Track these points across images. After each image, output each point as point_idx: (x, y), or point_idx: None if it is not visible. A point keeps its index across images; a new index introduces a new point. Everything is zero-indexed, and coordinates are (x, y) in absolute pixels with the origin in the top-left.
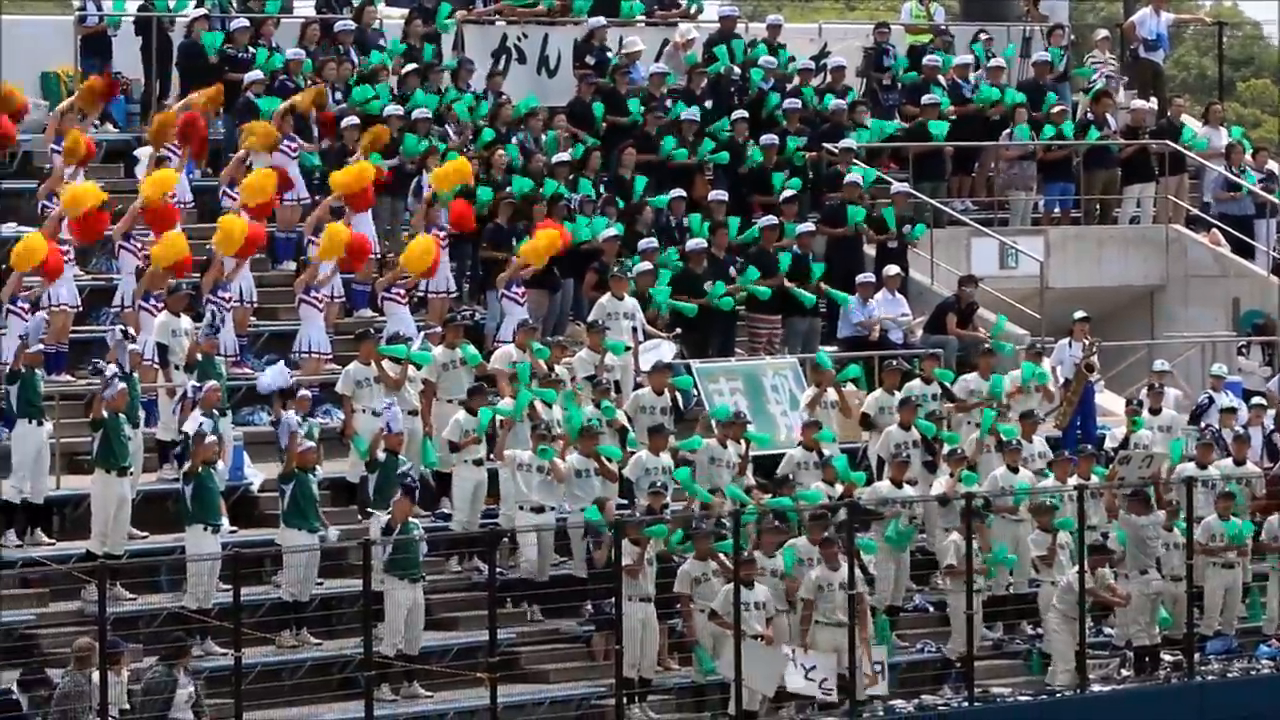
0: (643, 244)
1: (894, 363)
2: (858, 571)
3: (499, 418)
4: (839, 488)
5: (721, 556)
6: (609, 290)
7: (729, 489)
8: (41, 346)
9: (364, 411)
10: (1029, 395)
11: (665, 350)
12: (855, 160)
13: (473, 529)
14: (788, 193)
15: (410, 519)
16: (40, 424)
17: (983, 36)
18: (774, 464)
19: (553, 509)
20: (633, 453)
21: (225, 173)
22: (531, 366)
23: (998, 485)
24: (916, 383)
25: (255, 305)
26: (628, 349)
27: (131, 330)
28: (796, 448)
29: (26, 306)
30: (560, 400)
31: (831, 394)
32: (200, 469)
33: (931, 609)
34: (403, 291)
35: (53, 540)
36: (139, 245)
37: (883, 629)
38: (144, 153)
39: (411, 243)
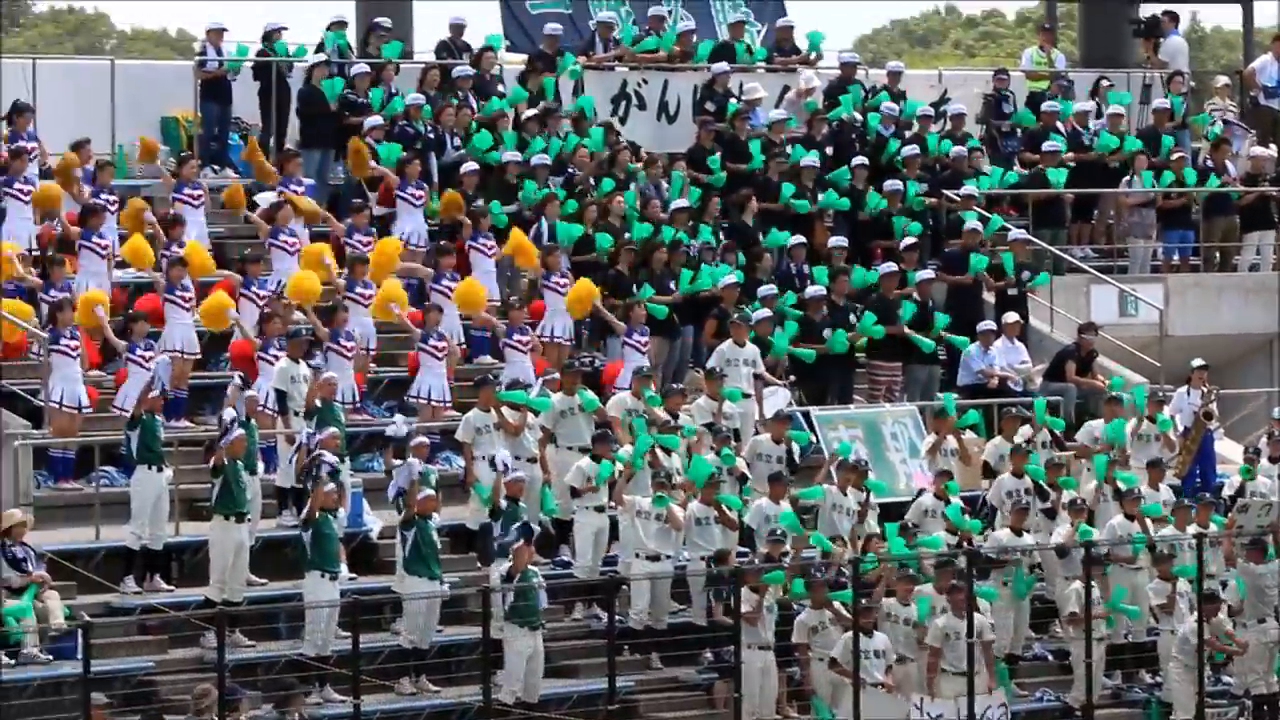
0: (762, 291)
1: (1013, 410)
2: (987, 618)
3: (618, 464)
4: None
5: (838, 605)
6: (729, 337)
7: (932, 540)
8: (164, 390)
9: (483, 459)
10: (1148, 443)
11: (781, 397)
12: (976, 207)
13: (595, 575)
14: (908, 240)
15: (530, 566)
16: (160, 470)
17: (1103, 84)
18: (892, 511)
19: (669, 557)
20: (750, 501)
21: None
22: (646, 414)
23: (1116, 533)
24: (1027, 428)
25: (375, 351)
26: (745, 396)
27: (248, 377)
28: (926, 495)
29: (148, 355)
30: (682, 448)
31: (951, 441)
32: (319, 515)
33: (1050, 657)
34: (524, 338)
35: (171, 587)
36: (259, 293)
37: (1002, 676)
38: (265, 198)
39: (575, 289)
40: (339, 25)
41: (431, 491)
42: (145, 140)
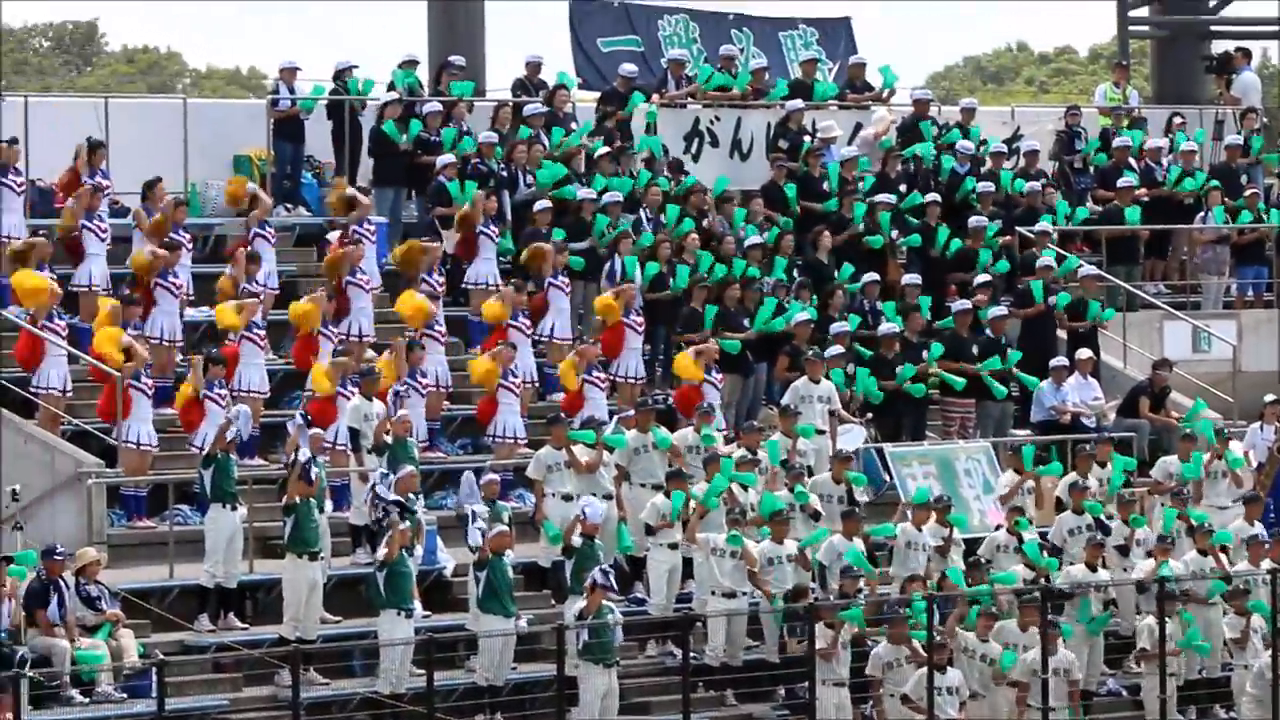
0: (835, 328)
1: (1087, 447)
2: (1068, 654)
3: (693, 501)
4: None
5: (915, 642)
6: (802, 373)
7: (951, 570)
8: (242, 435)
9: (554, 496)
10: (1216, 480)
11: (856, 435)
12: (1049, 244)
13: (669, 612)
14: (981, 278)
15: (605, 603)
16: (234, 508)
17: (1175, 120)
18: (965, 548)
19: (744, 594)
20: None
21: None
22: (705, 451)
23: (1190, 569)
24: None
25: (449, 389)
26: (819, 433)
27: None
28: (1000, 531)
29: (224, 393)
30: (759, 484)
31: (1029, 482)
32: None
33: (1125, 693)
34: (600, 375)
35: (245, 625)
36: (333, 330)
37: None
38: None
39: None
40: (410, 64)
41: (505, 528)
42: (234, 182)
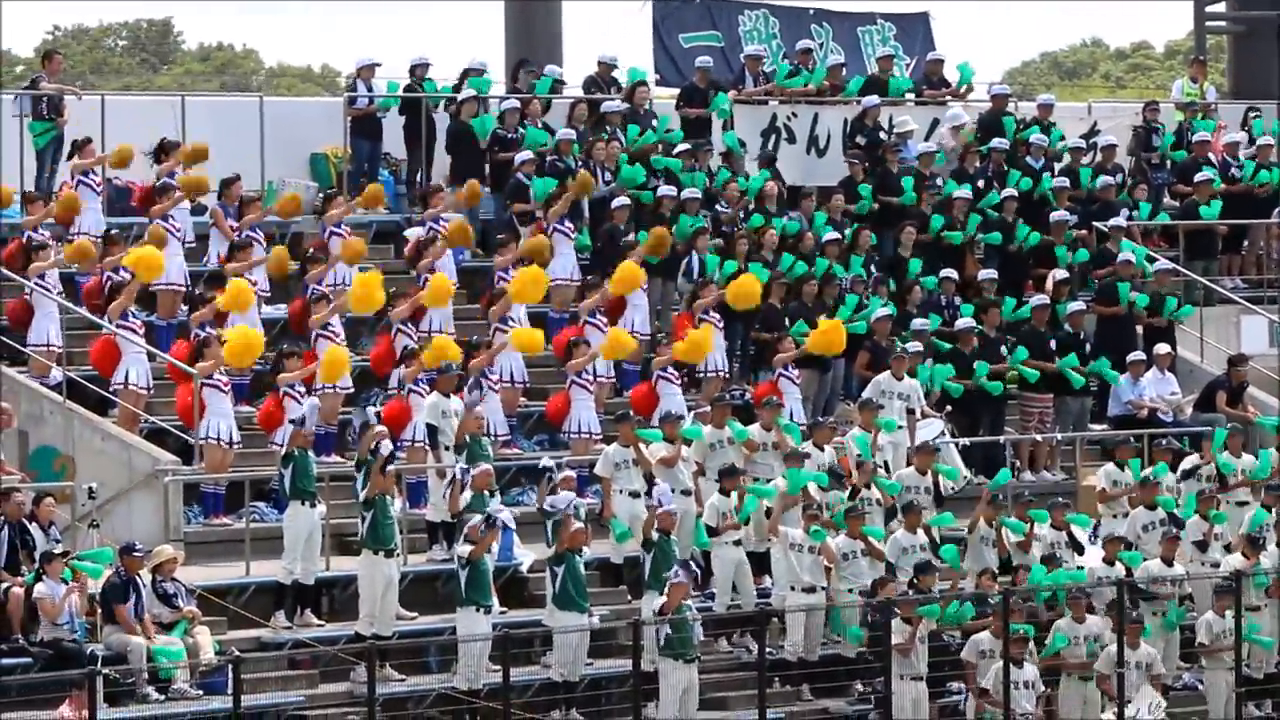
0: (915, 323)
1: (1165, 442)
2: (1149, 649)
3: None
4: (1119, 566)
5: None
6: (888, 369)
7: (1076, 574)
8: (315, 429)
9: (621, 493)
10: None
11: (934, 429)
12: (1126, 238)
13: (737, 609)
14: (1059, 274)
15: (685, 601)
16: (312, 505)
17: (1250, 115)
18: None
19: (824, 589)
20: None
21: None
22: (779, 443)
23: (1274, 564)
24: (1194, 458)
25: (525, 385)
26: (899, 428)
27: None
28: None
29: (302, 391)
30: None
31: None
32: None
33: (1200, 686)
34: (675, 372)
35: (322, 622)
36: (412, 327)
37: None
38: (414, 233)
39: (690, 336)
40: (477, 72)
41: (581, 525)
42: (288, 197)
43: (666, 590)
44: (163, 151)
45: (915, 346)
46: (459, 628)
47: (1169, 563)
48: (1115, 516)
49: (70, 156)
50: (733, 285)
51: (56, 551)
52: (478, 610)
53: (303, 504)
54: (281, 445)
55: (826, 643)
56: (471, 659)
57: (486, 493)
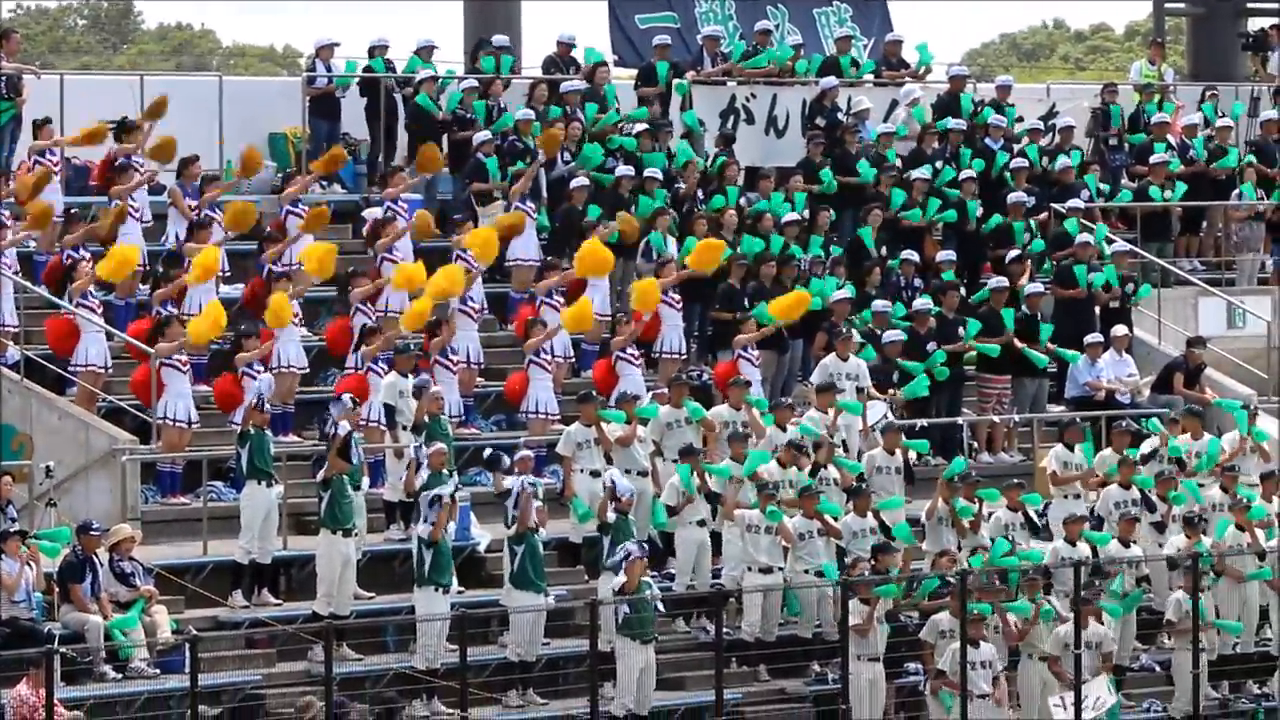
0: (876, 305)
1: (1124, 424)
2: (1100, 628)
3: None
4: (1082, 546)
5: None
6: (833, 351)
7: (1032, 554)
8: (269, 407)
9: (583, 472)
10: (1246, 457)
11: (876, 410)
12: (1082, 219)
13: (699, 589)
14: (1013, 252)
15: (645, 579)
16: (270, 485)
17: (1208, 94)
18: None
19: (780, 569)
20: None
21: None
22: (749, 423)
23: (1226, 545)
24: (1155, 440)
25: (482, 365)
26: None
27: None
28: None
29: (259, 369)
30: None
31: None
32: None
33: (1158, 668)
34: (635, 353)
35: (279, 601)
36: (370, 306)
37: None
38: (372, 213)
39: (576, 305)
40: (426, 51)
41: (540, 504)
42: (249, 152)
43: (625, 569)
44: (124, 130)
45: (897, 336)
46: (418, 607)
47: (1126, 544)
48: (1066, 498)
49: (35, 137)
50: (696, 251)
51: (13, 530)
52: (436, 590)
53: (260, 483)
54: (237, 425)
55: (785, 623)
56: (431, 639)
57: (445, 472)
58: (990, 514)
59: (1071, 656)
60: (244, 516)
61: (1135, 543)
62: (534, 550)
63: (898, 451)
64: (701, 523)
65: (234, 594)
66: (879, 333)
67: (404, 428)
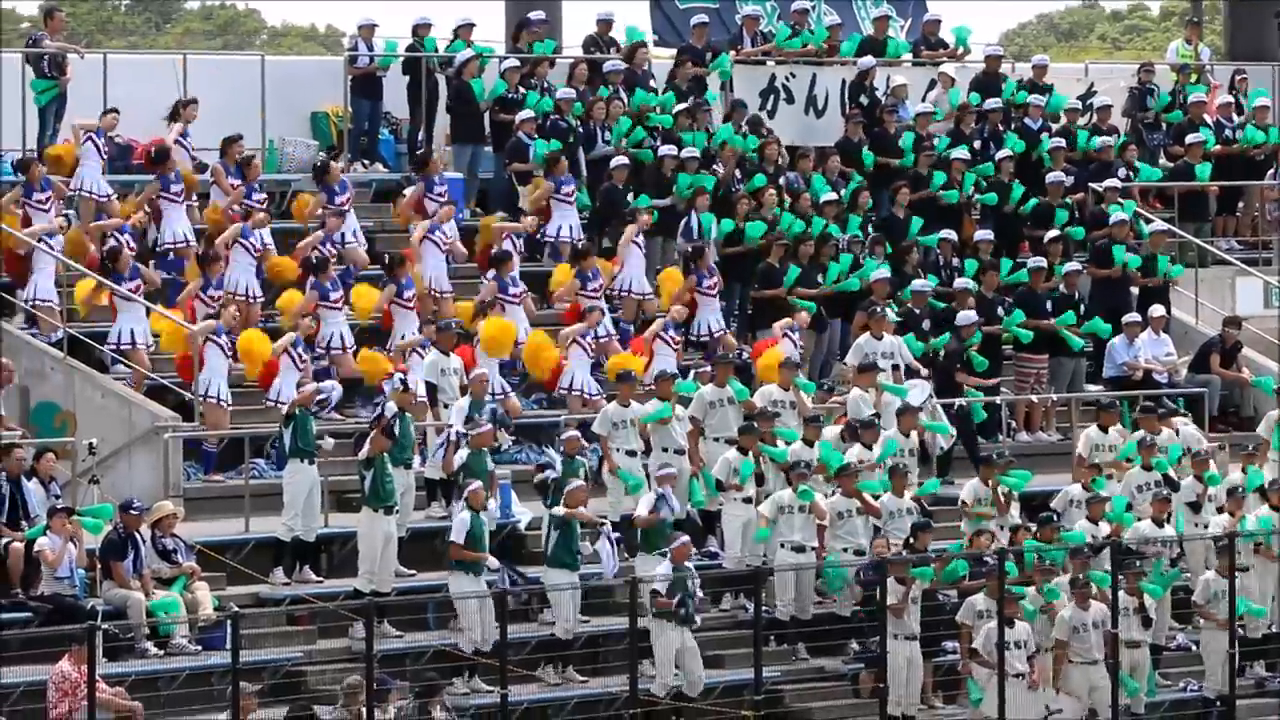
0: (915, 285)
1: (1144, 405)
2: (1105, 609)
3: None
4: (1104, 526)
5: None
6: (868, 330)
7: (1074, 534)
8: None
9: (619, 452)
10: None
11: (920, 390)
12: (1119, 199)
13: (744, 567)
14: (1052, 233)
15: (686, 562)
16: (312, 463)
17: (1238, 78)
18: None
19: (813, 548)
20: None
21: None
22: (796, 403)
23: (1259, 525)
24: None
25: (523, 345)
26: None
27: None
28: (1074, 486)
29: (301, 353)
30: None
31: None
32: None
33: (1194, 647)
34: (675, 334)
35: (320, 578)
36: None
37: (1124, 680)
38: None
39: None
40: (466, 29)
41: (581, 483)
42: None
43: (672, 553)
44: (177, 111)
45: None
46: (451, 586)
47: (1159, 523)
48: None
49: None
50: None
51: (60, 507)
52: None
53: (302, 461)
54: (276, 402)
55: (822, 601)
56: (471, 616)
57: (486, 450)
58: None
59: (1085, 638)
60: (286, 495)
61: (1168, 522)
62: (572, 529)
63: (913, 434)
64: (749, 500)
65: (275, 571)
66: (917, 312)
67: (445, 405)
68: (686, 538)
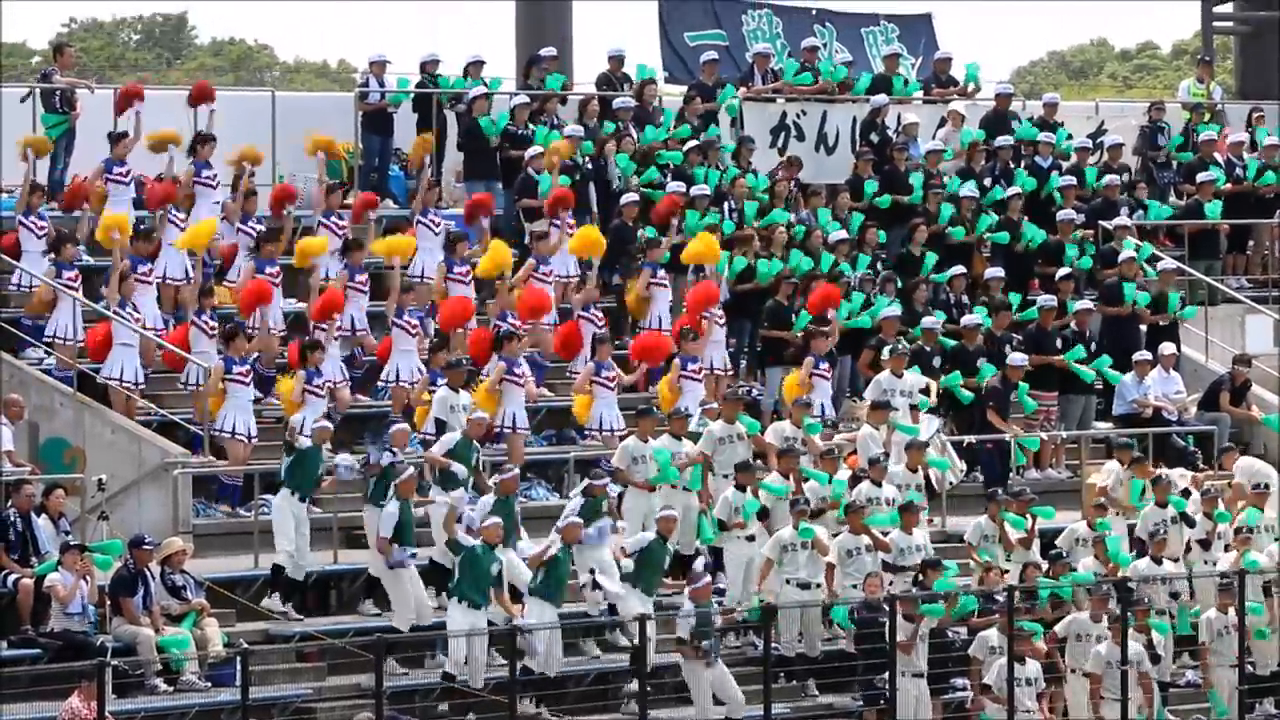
0: (926, 322)
1: (1173, 440)
2: (1141, 648)
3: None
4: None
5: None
6: (888, 368)
7: (1081, 575)
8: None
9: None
10: None
11: (929, 425)
12: (1130, 237)
13: (747, 604)
14: (1063, 271)
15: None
16: (302, 500)
17: (1254, 115)
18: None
19: (817, 586)
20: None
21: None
22: (805, 443)
23: (1272, 562)
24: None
25: (542, 382)
26: (916, 430)
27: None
28: (1080, 524)
29: (321, 383)
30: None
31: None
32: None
33: (1203, 684)
34: (697, 367)
35: (301, 617)
36: (412, 323)
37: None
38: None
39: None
40: (475, 67)
41: (578, 520)
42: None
43: (692, 593)
44: (203, 144)
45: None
46: (449, 623)
47: (1158, 561)
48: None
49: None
50: (692, 246)
51: (73, 543)
52: (465, 604)
53: (293, 495)
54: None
55: (832, 638)
56: (460, 654)
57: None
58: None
59: (1115, 674)
60: (276, 522)
61: (1173, 560)
62: (557, 564)
63: (919, 469)
64: (751, 538)
65: (272, 596)
66: (926, 350)
67: None
68: (709, 578)
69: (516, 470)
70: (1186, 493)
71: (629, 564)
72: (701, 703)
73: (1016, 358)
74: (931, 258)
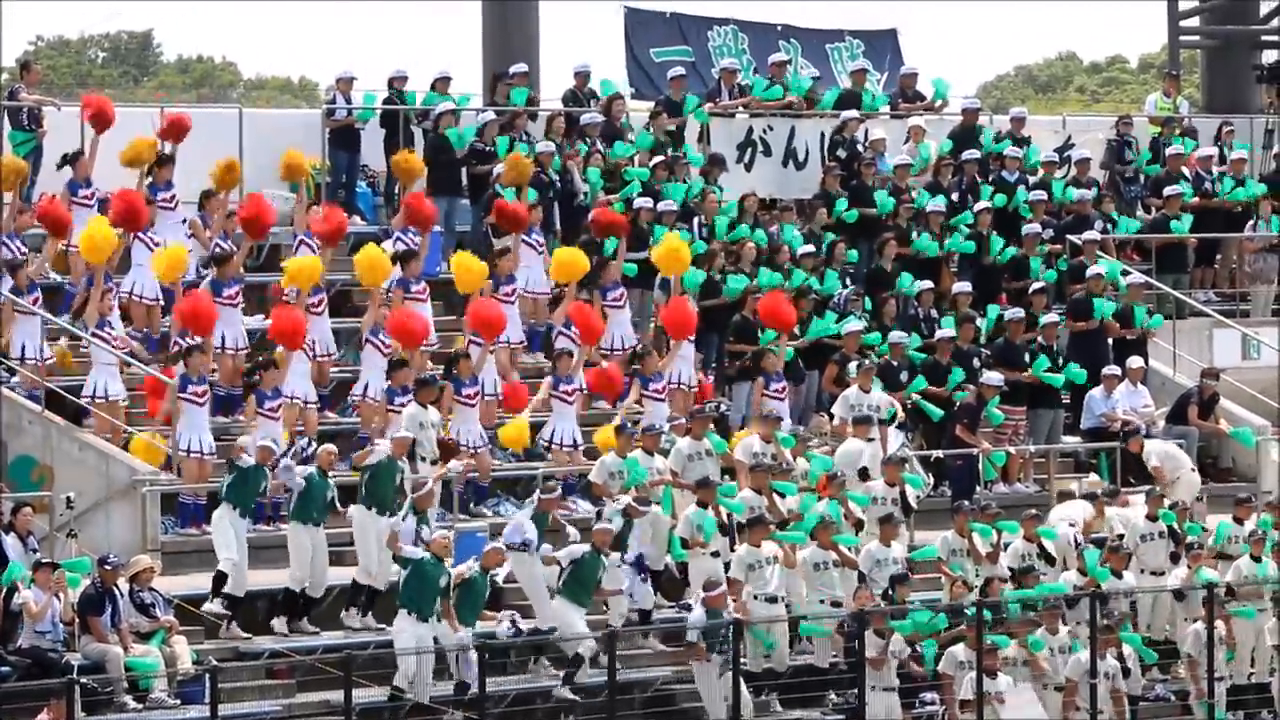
0: (893, 336)
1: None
2: (1114, 661)
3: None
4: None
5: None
6: (855, 384)
7: (1057, 586)
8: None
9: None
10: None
11: (893, 440)
12: (1100, 252)
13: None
14: (1035, 285)
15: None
16: (244, 515)
17: (1225, 130)
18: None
19: (782, 599)
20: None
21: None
22: (777, 457)
23: (1242, 575)
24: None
25: (500, 399)
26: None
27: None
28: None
29: (276, 404)
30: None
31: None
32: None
33: (1173, 698)
34: (661, 386)
35: (317, 630)
36: (385, 342)
37: None
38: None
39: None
40: (443, 83)
41: (608, 525)
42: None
43: (706, 600)
44: (158, 165)
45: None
46: (394, 635)
47: (1118, 575)
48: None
49: (60, 168)
50: (659, 250)
51: (44, 561)
52: (411, 615)
53: (304, 524)
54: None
55: (803, 652)
56: (410, 669)
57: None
58: (1008, 545)
59: (1086, 686)
60: (292, 549)
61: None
62: (584, 566)
63: (897, 484)
64: (716, 554)
65: (276, 620)
66: (894, 364)
67: (423, 459)
68: (724, 586)
69: (559, 490)
70: (1174, 506)
71: (553, 572)
72: (714, 703)
73: (993, 377)
74: (906, 276)
